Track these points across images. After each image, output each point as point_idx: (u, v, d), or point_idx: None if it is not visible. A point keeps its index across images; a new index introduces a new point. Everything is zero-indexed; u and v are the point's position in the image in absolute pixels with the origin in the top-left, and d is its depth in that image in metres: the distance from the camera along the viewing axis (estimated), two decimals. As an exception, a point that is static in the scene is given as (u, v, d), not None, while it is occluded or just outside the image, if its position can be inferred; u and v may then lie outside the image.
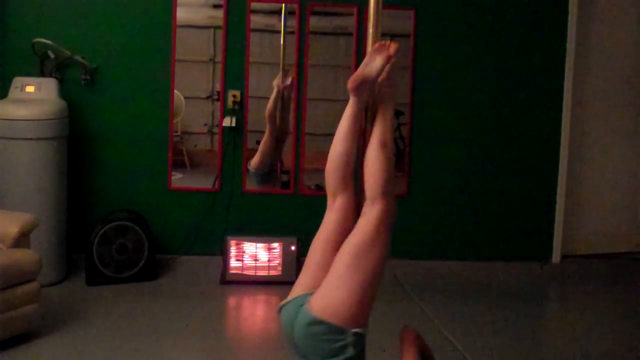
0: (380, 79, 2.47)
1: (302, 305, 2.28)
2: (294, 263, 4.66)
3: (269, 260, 4.69)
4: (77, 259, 4.72)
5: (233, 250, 4.66)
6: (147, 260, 4.61)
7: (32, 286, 3.57)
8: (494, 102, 5.29)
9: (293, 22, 5.04)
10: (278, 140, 5.12)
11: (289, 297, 2.36)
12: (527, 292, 4.82)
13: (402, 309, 4.35)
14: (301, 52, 5.04)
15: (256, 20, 5.03)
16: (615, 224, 5.68)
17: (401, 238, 5.22)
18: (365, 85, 2.43)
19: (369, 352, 2.35)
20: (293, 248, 4.67)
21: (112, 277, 4.53)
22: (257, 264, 4.69)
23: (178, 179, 5.12)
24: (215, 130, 5.12)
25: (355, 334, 2.23)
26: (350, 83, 2.41)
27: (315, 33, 5.06)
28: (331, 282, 2.26)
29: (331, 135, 2.51)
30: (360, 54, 4.94)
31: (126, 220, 4.62)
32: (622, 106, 5.62)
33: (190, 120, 5.16)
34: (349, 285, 2.23)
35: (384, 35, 2.49)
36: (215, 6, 5.00)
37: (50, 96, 4.54)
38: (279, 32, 5.07)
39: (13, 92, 4.57)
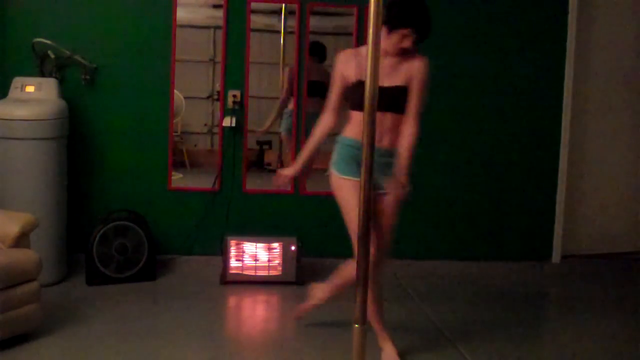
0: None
1: None
2: (294, 263, 4.65)
3: (269, 260, 4.69)
4: (77, 259, 4.71)
5: (233, 250, 4.65)
6: (147, 260, 4.61)
7: (32, 286, 3.57)
8: (493, 102, 5.28)
9: (293, 22, 5.04)
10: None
11: None
12: (527, 292, 4.82)
13: (402, 309, 4.35)
14: (301, 52, 5.04)
15: (256, 20, 5.03)
16: (615, 224, 5.68)
17: (401, 238, 5.24)
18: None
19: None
20: (293, 248, 4.66)
21: (112, 277, 4.53)
22: (257, 264, 4.68)
23: (178, 179, 5.12)
24: (215, 130, 5.12)
25: None
26: None
27: (315, 33, 5.06)
28: None
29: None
30: (360, 54, 4.93)
31: (126, 220, 4.62)
32: (621, 107, 5.63)
33: (190, 120, 5.16)
34: None
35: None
36: (215, 6, 5.01)
37: (50, 96, 4.54)
38: (279, 32, 5.07)
39: (13, 92, 4.56)
